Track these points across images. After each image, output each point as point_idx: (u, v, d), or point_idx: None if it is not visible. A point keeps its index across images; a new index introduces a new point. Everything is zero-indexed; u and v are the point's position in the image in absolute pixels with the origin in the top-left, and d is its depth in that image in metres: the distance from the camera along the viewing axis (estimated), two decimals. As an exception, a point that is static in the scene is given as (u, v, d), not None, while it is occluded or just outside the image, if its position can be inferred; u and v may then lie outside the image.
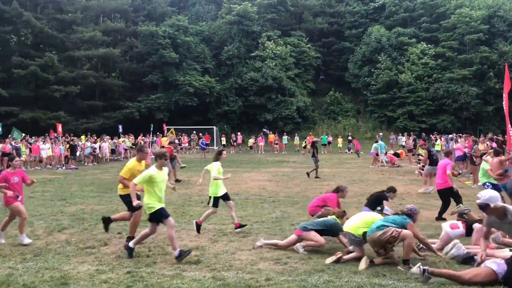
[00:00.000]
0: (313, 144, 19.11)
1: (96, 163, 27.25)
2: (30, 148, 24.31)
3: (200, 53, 48.18)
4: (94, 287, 5.70)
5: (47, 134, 28.73)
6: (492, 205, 5.72)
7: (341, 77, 51.27)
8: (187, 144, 37.98)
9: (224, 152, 9.26)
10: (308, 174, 18.01)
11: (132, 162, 8.02)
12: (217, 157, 9.09)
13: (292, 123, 45.72)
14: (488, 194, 5.87)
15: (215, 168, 8.78)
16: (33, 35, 44.97)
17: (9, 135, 25.54)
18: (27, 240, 7.82)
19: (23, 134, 27.16)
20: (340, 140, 36.52)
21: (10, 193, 7.81)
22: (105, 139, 30.07)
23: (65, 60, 43.66)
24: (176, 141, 28.30)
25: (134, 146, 31.90)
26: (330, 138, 36.31)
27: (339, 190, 9.10)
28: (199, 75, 45.45)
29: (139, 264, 6.65)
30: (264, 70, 46.24)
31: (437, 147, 25.46)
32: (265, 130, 39.42)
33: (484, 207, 5.79)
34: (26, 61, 38.90)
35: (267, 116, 45.42)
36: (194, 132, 38.53)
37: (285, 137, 36.58)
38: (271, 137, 37.16)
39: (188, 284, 5.75)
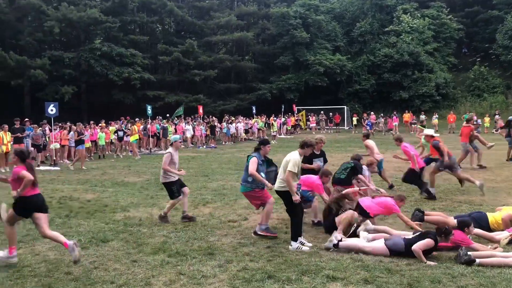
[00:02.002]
0: (510, 123, 17.25)
1: (232, 143, 28.74)
2: (175, 129, 26.52)
3: (331, 31, 47.48)
4: (237, 258, 6.02)
5: (195, 116, 30.88)
6: None
7: (488, 50, 46.12)
8: (315, 124, 37.96)
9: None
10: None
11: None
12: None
13: (430, 101, 42.74)
14: None
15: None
16: (175, 23, 48.70)
17: (157, 117, 28.10)
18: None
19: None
20: (486, 119, 33.17)
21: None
22: (240, 120, 31.49)
23: (204, 46, 46.42)
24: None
25: (265, 126, 32.96)
26: (475, 117, 33.12)
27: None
28: (329, 54, 44.92)
29: (278, 240, 6.85)
30: (400, 45, 43.81)
31: None
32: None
33: None
34: (170, 48, 42.31)
35: (402, 94, 43.15)
36: (322, 112, 38.31)
37: (422, 116, 34.33)
38: (407, 116, 35.13)
39: (326, 263, 5.77)
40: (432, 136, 10.56)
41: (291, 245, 6.47)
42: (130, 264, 5.85)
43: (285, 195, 6.64)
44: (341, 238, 6.43)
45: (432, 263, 5.73)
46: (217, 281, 5.20)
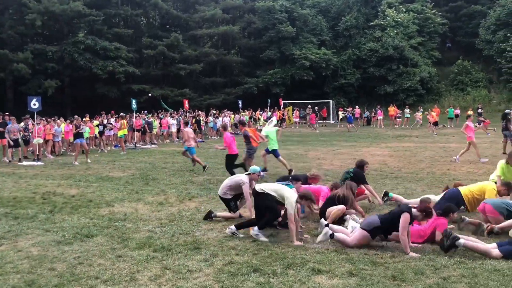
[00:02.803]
0: (505, 116, 17.51)
1: (219, 137, 28.67)
2: (160, 123, 26.34)
3: (316, 25, 47.57)
4: (223, 252, 6.02)
5: (180, 109, 30.72)
6: None
7: (471, 44, 46.70)
8: (298, 119, 38.04)
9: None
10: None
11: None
12: None
13: (414, 95, 43.21)
14: None
15: None
16: (160, 16, 48.29)
17: (142, 111, 27.89)
18: None
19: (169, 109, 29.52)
20: (470, 112, 33.57)
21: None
22: (226, 114, 31.39)
23: (189, 39, 46.14)
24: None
25: (250, 119, 32.91)
26: (458, 111, 33.60)
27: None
28: (315, 48, 45.04)
29: (264, 233, 6.87)
30: (385, 39, 44.12)
31: None
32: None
33: None
34: (154, 41, 41.97)
35: (387, 89, 43.51)
36: (309, 106, 38.42)
37: (407, 110, 34.67)
38: (392, 110, 35.43)
39: (311, 256, 5.80)
40: None
41: (253, 229, 6.69)
42: (115, 259, 5.81)
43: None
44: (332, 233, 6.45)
45: (415, 255, 5.80)
46: (202, 275, 5.20)
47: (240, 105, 35.08)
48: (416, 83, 42.82)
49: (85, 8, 38.22)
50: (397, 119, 34.53)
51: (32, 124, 18.53)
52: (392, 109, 35.40)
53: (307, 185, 8.43)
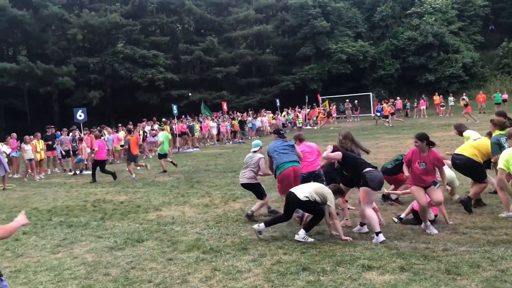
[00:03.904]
0: None
1: (258, 137, 28.77)
2: (201, 127, 26.72)
3: (351, 17, 46.92)
4: (271, 252, 6.03)
5: (219, 112, 31.13)
6: None
7: (515, 25, 44.73)
8: (335, 114, 37.50)
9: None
10: None
11: None
12: None
13: (458, 82, 41.74)
14: None
15: None
16: (194, 21, 48.98)
17: (183, 116, 28.40)
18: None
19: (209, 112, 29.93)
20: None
21: None
22: (265, 114, 31.50)
23: (224, 42, 46.53)
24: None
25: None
26: (505, 96, 32.17)
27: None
28: (351, 41, 44.43)
29: (310, 231, 6.82)
30: (423, 27, 42.91)
31: None
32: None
33: None
34: (191, 47, 42.61)
35: (428, 77, 42.29)
36: (348, 100, 37.89)
37: (450, 98, 33.51)
38: (437, 99, 34.25)
39: (361, 252, 5.72)
40: None
41: (298, 234, 6.47)
42: (166, 262, 5.94)
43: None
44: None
45: (434, 230, 6.13)
46: (252, 276, 5.23)
47: (278, 104, 35.03)
48: (458, 69, 41.38)
49: (122, 19, 39.29)
50: (441, 108, 33.45)
51: (79, 135, 19.20)
52: (438, 98, 34.19)
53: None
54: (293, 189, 6.55)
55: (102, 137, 17.64)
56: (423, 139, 6.32)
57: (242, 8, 47.04)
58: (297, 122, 30.64)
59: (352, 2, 48.70)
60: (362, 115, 38.33)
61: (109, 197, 11.39)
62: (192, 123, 25.86)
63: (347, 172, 6.82)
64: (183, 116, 28.63)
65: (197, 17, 46.77)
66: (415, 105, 34.57)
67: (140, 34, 42.21)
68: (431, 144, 6.30)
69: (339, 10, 45.76)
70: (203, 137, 26.93)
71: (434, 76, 42.15)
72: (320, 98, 38.65)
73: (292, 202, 6.45)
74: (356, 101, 37.62)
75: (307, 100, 35.37)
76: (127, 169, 14.74)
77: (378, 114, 30.52)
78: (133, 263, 6.00)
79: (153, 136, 21.80)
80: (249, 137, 28.66)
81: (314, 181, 7.27)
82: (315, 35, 44.58)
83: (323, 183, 7.10)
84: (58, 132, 19.10)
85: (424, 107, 33.57)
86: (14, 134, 17.57)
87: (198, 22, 48.78)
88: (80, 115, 18.32)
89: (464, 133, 8.77)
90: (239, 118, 29.26)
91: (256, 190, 8.09)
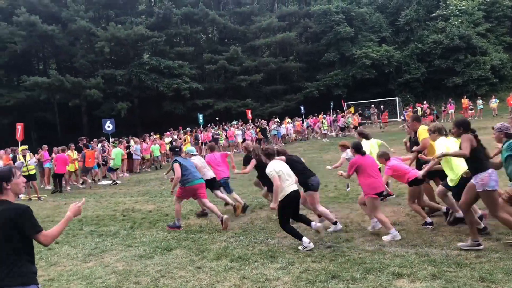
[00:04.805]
0: None
1: (283, 144, 28.74)
2: (226, 135, 26.89)
3: (375, 22, 46.57)
4: (299, 260, 6.01)
5: (240, 120, 31.35)
6: None
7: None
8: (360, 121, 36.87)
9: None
10: None
11: None
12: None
13: (486, 85, 40.76)
14: None
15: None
16: (218, 31, 49.45)
17: (208, 124, 28.69)
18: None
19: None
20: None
21: None
22: (290, 121, 31.50)
23: (248, 50, 46.79)
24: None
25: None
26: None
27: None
28: (376, 46, 44.06)
29: (338, 239, 6.78)
30: (449, 30, 42.20)
31: None
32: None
33: None
34: (215, 56, 42.98)
35: (455, 80, 41.48)
36: (373, 105, 37.46)
37: (479, 101, 32.75)
38: (465, 102, 33.55)
39: (391, 260, 5.65)
40: None
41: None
42: (194, 270, 5.99)
43: None
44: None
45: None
46: (281, 284, 5.22)
47: (303, 111, 34.92)
48: (487, 71, 40.45)
49: (148, 31, 39.99)
50: (470, 111, 32.73)
51: (108, 146, 19.59)
52: (466, 101, 33.47)
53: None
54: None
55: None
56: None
57: (265, 17, 47.24)
58: (322, 128, 30.45)
59: (375, 7, 48.34)
60: (388, 120, 37.82)
61: (137, 206, 11.56)
62: (217, 132, 26.05)
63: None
64: (209, 124, 28.90)
65: (221, 27, 47.21)
66: (443, 109, 33.94)
67: (165, 45, 42.86)
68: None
69: (363, 15, 45.50)
70: (229, 145, 27.08)
71: (462, 79, 41.33)
72: (344, 104, 38.36)
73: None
74: (382, 106, 37.17)
75: (332, 106, 35.11)
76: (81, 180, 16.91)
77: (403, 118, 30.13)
78: (162, 272, 6.07)
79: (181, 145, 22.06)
80: (274, 144, 28.64)
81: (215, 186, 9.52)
82: (338, 41, 44.39)
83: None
84: (90, 143, 19.54)
85: (453, 110, 32.91)
86: (46, 146, 18.05)
87: (221, 32, 49.24)
88: (109, 125, 18.70)
89: None
90: (261, 126, 29.30)
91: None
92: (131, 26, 40.15)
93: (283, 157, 7.29)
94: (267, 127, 29.43)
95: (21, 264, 3.40)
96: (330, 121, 33.13)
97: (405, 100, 41.79)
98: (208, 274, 5.81)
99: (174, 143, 22.45)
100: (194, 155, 9.51)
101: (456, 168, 6.48)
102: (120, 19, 42.60)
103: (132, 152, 19.95)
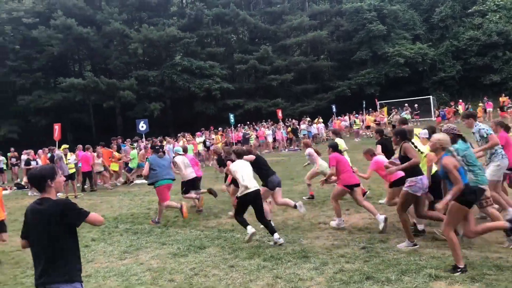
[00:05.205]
0: None
1: (314, 144, 28.54)
2: (257, 135, 26.92)
3: (408, 20, 45.69)
4: (333, 260, 5.96)
5: (269, 120, 31.35)
6: None
7: None
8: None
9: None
10: None
11: None
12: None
13: (526, 82, 39.42)
14: None
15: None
16: (249, 31, 49.58)
17: (239, 124, 28.79)
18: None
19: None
20: None
21: None
22: (320, 121, 31.27)
23: (278, 50, 46.70)
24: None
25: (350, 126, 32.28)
26: None
27: None
28: (409, 44, 43.21)
29: (373, 240, 6.68)
30: (486, 26, 40.97)
31: None
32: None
33: None
34: (245, 56, 43.11)
35: (493, 78, 40.22)
36: (406, 104, 36.69)
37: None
38: (504, 100, 32.40)
39: (427, 261, 5.52)
40: None
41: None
42: (228, 269, 6.02)
43: None
44: None
45: None
46: (314, 284, 5.18)
47: (334, 110, 34.60)
48: (527, 68, 39.09)
49: (179, 32, 40.49)
50: (508, 110, 31.61)
51: (144, 146, 19.89)
52: (505, 99, 32.32)
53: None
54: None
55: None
56: None
57: (296, 16, 47.02)
58: (354, 127, 30.10)
59: (409, 4, 47.40)
60: (422, 119, 37.02)
61: (170, 205, 11.69)
62: (248, 131, 26.11)
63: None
64: (239, 124, 29.02)
65: (251, 27, 47.30)
66: (481, 107, 32.90)
67: (197, 46, 43.28)
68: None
69: (396, 12, 44.69)
70: (259, 145, 27.10)
71: (500, 77, 40.04)
72: (378, 102, 37.75)
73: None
74: (416, 105, 36.40)
75: (364, 106, 34.61)
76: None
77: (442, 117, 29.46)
78: (196, 270, 6.13)
79: (211, 145, 22.28)
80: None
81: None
82: (371, 39, 43.77)
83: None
84: (124, 143, 19.94)
85: (491, 109, 31.90)
86: (80, 146, 18.48)
87: (252, 32, 49.34)
88: (142, 126, 18.95)
89: None
90: (292, 126, 29.18)
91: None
92: (163, 27, 40.73)
93: (252, 157, 8.10)
94: (298, 127, 29.27)
95: (67, 260, 3.49)
96: (363, 120, 32.70)
97: (440, 98, 40.81)
98: (241, 272, 5.83)
99: (206, 142, 22.67)
100: (180, 154, 10.65)
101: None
102: (152, 20, 43.29)
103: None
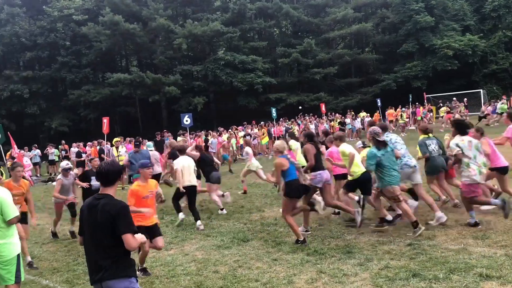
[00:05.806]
0: None
1: (358, 138, 28.08)
2: (299, 129, 26.74)
3: (458, 10, 44.00)
4: (378, 256, 5.86)
5: (311, 114, 31.12)
6: None
7: None
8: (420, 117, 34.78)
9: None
10: None
11: None
12: None
13: None
14: None
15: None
16: (292, 24, 49.31)
17: (281, 118, 28.73)
18: None
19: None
20: None
21: None
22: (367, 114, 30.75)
23: (321, 43, 46.23)
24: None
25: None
26: None
27: None
28: (458, 35, 41.64)
29: (420, 236, 6.52)
30: (543, 14, 38.90)
31: None
32: None
33: None
34: (288, 50, 42.93)
35: (550, 70, 38.22)
36: (455, 98, 35.37)
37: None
38: None
39: (477, 260, 5.34)
40: None
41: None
42: (271, 262, 6.05)
43: None
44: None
45: None
46: (359, 280, 5.13)
47: (379, 104, 33.87)
48: None
49: (223, 26, 40.82)
50: None
51: (190, 139, 20.25)
52: None
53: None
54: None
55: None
56: None
57: (340, 8, 46.27)
58: (400, 121, 29.37)
59: (458, -7, 45.68)
60: (472, 113, 35.65)
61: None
62: (290, 126, 26.02)
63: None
64: (281, 118, 28.97)
65: (294, 20, 46.98)
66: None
67: (240, 40, 43.47)
68: None
69: (444, 3, 43.13)
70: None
71: (557, 69, 37.99)
72: (426, 96, 36.63)
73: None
74: (465, 99, 35.05)
75: (410, 100, 33.67)
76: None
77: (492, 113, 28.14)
78: (240, 262, 6.20)
79: (253, 139, 22.43)
80: (349, 139, 28.09)
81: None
82: (418, 31, 42.47)
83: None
84: (167, 137, 20.34)
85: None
86: (128, 139, 19.04)
87: (295, 25, 49.02)
88: (187, 120, 19.25)
89: None
90: (338, 120, 28.84)
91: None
92: (207, 22, 41.17)
93: (198, 153, 9.51)
94: (345, 121, 28.95)
95: (123, 256, 3.52)
96: (409, 114, 31.86)
97: (491, 92, 39.11)
98: (284, 266, 5.84)
99: (248, 137, 22.77)
100: (150, 150, 12.17)
101: (357, 165, 7.40)
102: (196, 16, 43.84)
103: (208, 146, 20.49)
